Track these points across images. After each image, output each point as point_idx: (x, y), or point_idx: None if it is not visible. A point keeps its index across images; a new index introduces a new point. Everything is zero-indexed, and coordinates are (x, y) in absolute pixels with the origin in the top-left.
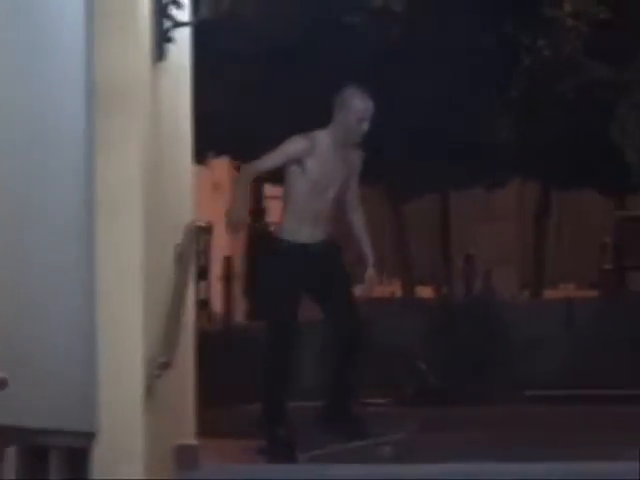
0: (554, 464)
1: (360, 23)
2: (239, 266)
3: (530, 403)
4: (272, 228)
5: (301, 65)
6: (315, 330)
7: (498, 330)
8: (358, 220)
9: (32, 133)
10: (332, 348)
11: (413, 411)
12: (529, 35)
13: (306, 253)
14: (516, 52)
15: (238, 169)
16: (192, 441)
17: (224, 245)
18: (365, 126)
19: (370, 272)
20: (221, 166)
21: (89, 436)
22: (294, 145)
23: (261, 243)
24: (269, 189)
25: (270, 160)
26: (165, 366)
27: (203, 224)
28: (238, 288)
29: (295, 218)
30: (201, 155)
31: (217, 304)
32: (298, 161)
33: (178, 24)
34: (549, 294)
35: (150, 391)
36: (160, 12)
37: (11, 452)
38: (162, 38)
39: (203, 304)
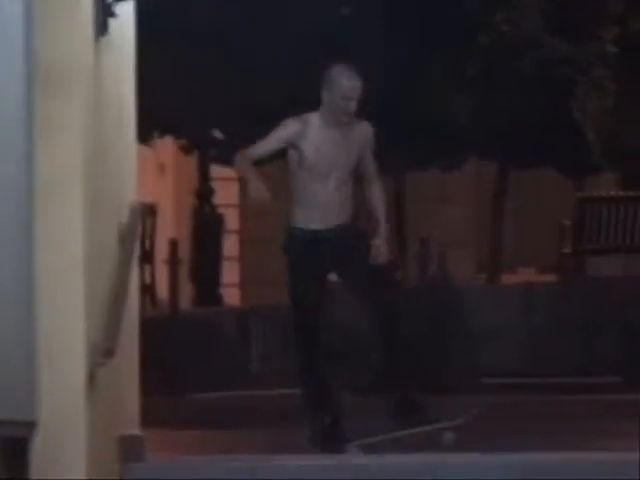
0: (513, 454)
1: None
2: (185, 250)
3: (487, 391)
4: (220, 211)
5: (250, 41)
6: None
7: (454, 316)
8: (375, 192)
9: None
10: (373, 336)
11: (367, 399)
12: (487, 11)
13: (317, 239)
14: (473, 28)
15: (183, 149)
16: (137, 431)
17: (170, 228)
18: (352, 105)
19: (377, 242)
20: (166, 146)
21: (29, 426)
22: (285, 129)
23: (207, 225)
24: (216, 170)
25: (262, 146)
26: (108, 353)
27: (148, 204)
28: (184, 272)
29: (301, 205)
30: (146, 135)
31: (162, 289)
32: (294, 146)
33: None
34: (507, 278)
35: (93, 379)
36: None
37: None
38: (105, 13)
39: (147, 289)
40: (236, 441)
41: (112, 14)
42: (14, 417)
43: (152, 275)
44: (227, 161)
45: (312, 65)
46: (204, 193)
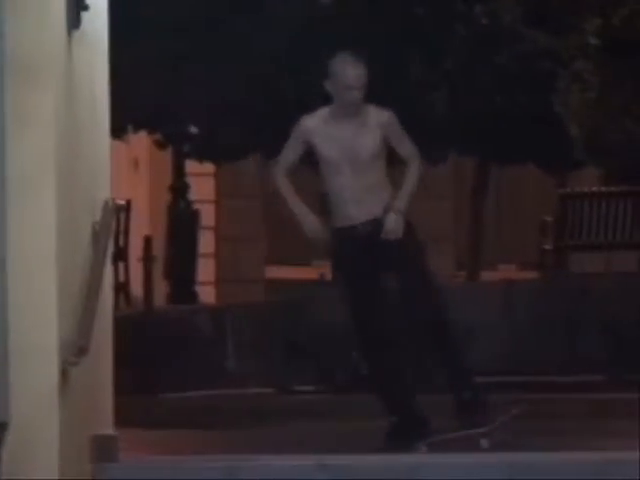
0: (493, 454)
1: None
2: (160, 246)
3: None
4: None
5: (226, 34)
6: None
7: None
8: (408, 171)
9: None
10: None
11: (344, 398)
12: (466, 3)
13: (354, 235)
14: (452, 21)
15: (157, 144)
16: (110, 431)
17: (144, 225)
18: (356, 94)
19: (390, 216)
20: (140, 141)
21: (0, 426)
22: (298, 128)
23: (182, 222)
24: (192, 165)
25: (286, 150)
26: (82, 351)
27: (122, 202)
28: (159, 270)
29: (335, 203)
30: (119, 130)
31: (136, 287)
32: (310, 143)
33: None
34: (488, 275)
35: (65, 378)
36: None
37: None
38: (78, 5)
39: (121, 286)
40: (211, 440)
41: (85, 7)
42: None
43: (126, 272)
44: (202, 156)
45: (287, 58)
46: (179, 189)
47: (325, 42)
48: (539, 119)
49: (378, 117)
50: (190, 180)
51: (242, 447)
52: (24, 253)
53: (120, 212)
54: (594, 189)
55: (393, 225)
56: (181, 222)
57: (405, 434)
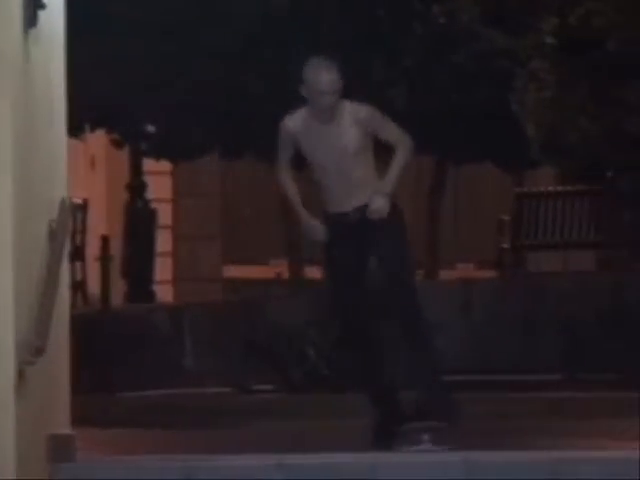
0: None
1: None
2: (117, 245)
3: None
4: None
5: (182, 34)
6: None
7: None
8: (395, 155)
9: None
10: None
11: (301, 398)
12: (423, 2)
13: (344, 221)
14: (409, 20)
15: (115, 143)
16: (67, 430)
17: (101, 223)
18: (329, 99)
19: (375, 196)
20: (97, 140)
21: None
22: (282, 129)
23: (139, 221)
24: (149, 164)
25: (280, 151)
26: (38, 351)
27: (79, 200)
28: (116, 269)
29: (324, 192)
30: (76, 128)
31: (94, 286)
32: (296, 144)
33: None
34: (446, 274)
35: (22, 378)
36: None
37: None
38: (34, 4)
39: (79, 285)
40: (169, 440)
41: (41, 6)
42: None
43: (83, 271)
44: (159, 154)
45: (244, 57)
46: (136, 188)
47: (283, 41)
48: (496, 118)
49: (356, 114)
50: (147, 179)
51: (200, 446)
52: None
53: (77, 211)
54: (550, 188)
55: (377, 205)
56: (138, 221)
57: (389, 429)
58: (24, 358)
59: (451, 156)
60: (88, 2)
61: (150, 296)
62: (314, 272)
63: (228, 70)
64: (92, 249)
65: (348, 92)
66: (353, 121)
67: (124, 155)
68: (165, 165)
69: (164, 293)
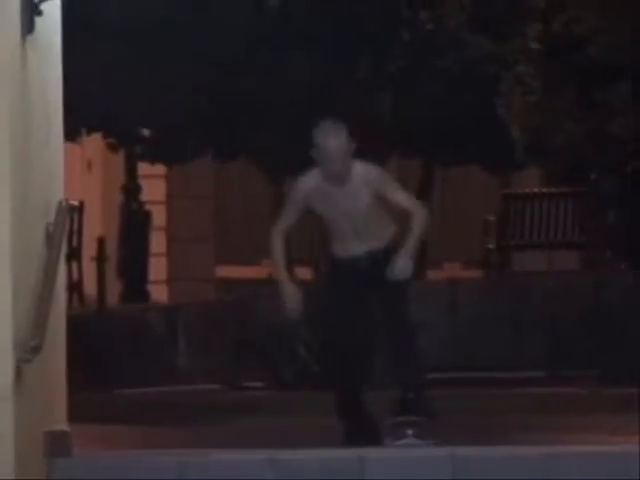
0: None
1: None
2: (113, 247)
3: None
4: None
5: (178, 38)
6: None
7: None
8: (412, 221)
9: None
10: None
11: (292, 395)
12: (410, 7)
13: (353, 265)
14: (396, 25)
15: (111, 147)
16: (64, 427)
17: (97, 225)
18: (339, 164)
19: (401, 258)
20: (94, 143)
21: None
22: (297, 191)
23: (134, 222)
24: (144, 167)
25: (286, 213)
26: (35, 350)
27: (75, 203)
28: (111, 269)
29: (335, 239)
30: (73, 132)
31: (90, 286)
32: (309, 205)
33: None
34: (432, 274)
35: (19, 376)
36: None
37: None
38: (31, 11)
39: (75, 286)
40: (163, 436)
41: (39, 12)
42: None
43: (79, 272)
44: (154, 158)
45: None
46: (131, 190)
47: (274, 45)
48: (482, 121)
49: (366, 175)
50: (142, 182)
51: (194, 443)
52: None
53: (73, 213)
54: (535, 190)
55: (403, 267)
56: (133, 223)
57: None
58: (22, 356)
59: (438, 159)
60: (84, 8)
61: (145, 296)
62: (304, 272)
63: (221, 74)
64: (88, 250)
65: (335, 95)
66: (364, 182)
67: (119, 158)
68: (159, 168)
69: (158, 293)
